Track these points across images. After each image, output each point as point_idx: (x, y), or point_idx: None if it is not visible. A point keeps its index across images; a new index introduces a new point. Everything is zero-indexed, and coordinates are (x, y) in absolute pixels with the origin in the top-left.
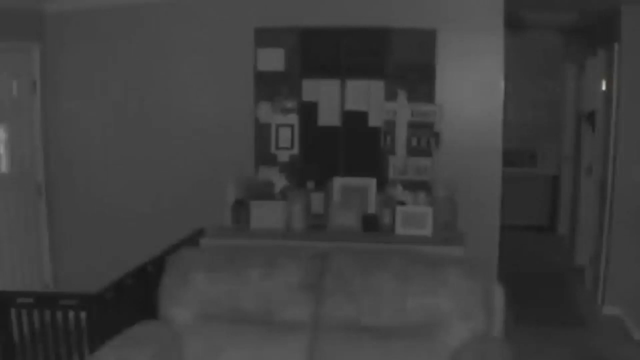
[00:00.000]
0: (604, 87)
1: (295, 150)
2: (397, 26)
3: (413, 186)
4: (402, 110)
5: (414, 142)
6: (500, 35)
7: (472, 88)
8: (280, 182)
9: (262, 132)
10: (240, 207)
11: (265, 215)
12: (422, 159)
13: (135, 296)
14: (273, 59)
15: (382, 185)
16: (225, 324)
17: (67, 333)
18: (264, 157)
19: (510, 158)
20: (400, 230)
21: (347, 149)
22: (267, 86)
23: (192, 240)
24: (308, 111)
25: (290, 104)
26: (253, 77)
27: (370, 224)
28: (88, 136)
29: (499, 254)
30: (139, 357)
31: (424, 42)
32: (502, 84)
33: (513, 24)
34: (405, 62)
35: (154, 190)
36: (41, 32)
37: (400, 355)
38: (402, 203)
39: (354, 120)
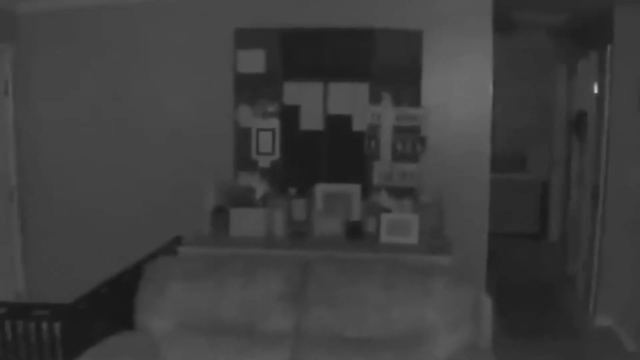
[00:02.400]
0: (596, 90)
1: (277, 156)
2: (383, 27)
3: (398, 192)
4: (387, 114)
5: (400, 147)
6: (489, 36)
7: (460, 91)
8: (261, 188)
9: (242, 136)
10: (220, 214)
11: (246, 222)
12: (407, 165)
13: (111, 306)
14: (253, 61)
15: (366, 191)
16: (205, 334)
17: (41, 345)
18: (244, 162)
19: (499, 163)
20: (385, 238)
21: (330, 154)
22: (248, 89)
23: (170, 248)
24: (290, 115)
25: (271, 107)
26: (233, 79)
27: (354, 231)
28: (62, 139)
29: (487, 263)
30: None
31: (410, 43)
32: (490, 87)
33: (502, 24)
34: (391, 64)
35: (130, 197)
36: (14, 32)
37: None
38: (387, 210)
39: (338, 124)
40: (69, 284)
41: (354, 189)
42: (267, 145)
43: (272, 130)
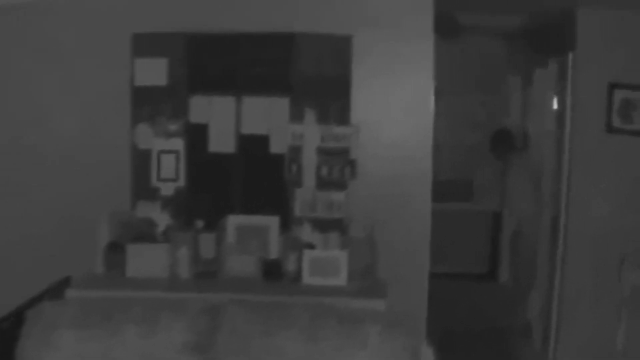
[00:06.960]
0: (555, 105)
1: (181, 182)
2: (305, 31)
3: (324, 225)
4: (311, 134)
5: (325, 172)
6: (430, 42)
7: (396, 106)
8: (163, 220)
9: (140, 160)
10: (115, 251)
11: (145, 260)
12: (334, 193)
13: None
14: (154, 72)
15: (286, 224)
16: None
17: None
18: (143, 190)
19: (442, 191)
20: (308, 279)
21: (244, 180)
22: (147, 104)
23: (57, 290)
24: (196, 135)
25: (174, 126)
26: (129, 93)
27: (272, 271)
28: None
29: (428, 307)
30: None
31: (338, 50)
32: (432, 101)
33: (445, 28)
34: (315, 75)
35: (9, 231)
36: None
37: None
38: (311, 246)
39: (253, 145)
40: None
41: (272, 221)
42: (169, 170)
43: (176, 153)
